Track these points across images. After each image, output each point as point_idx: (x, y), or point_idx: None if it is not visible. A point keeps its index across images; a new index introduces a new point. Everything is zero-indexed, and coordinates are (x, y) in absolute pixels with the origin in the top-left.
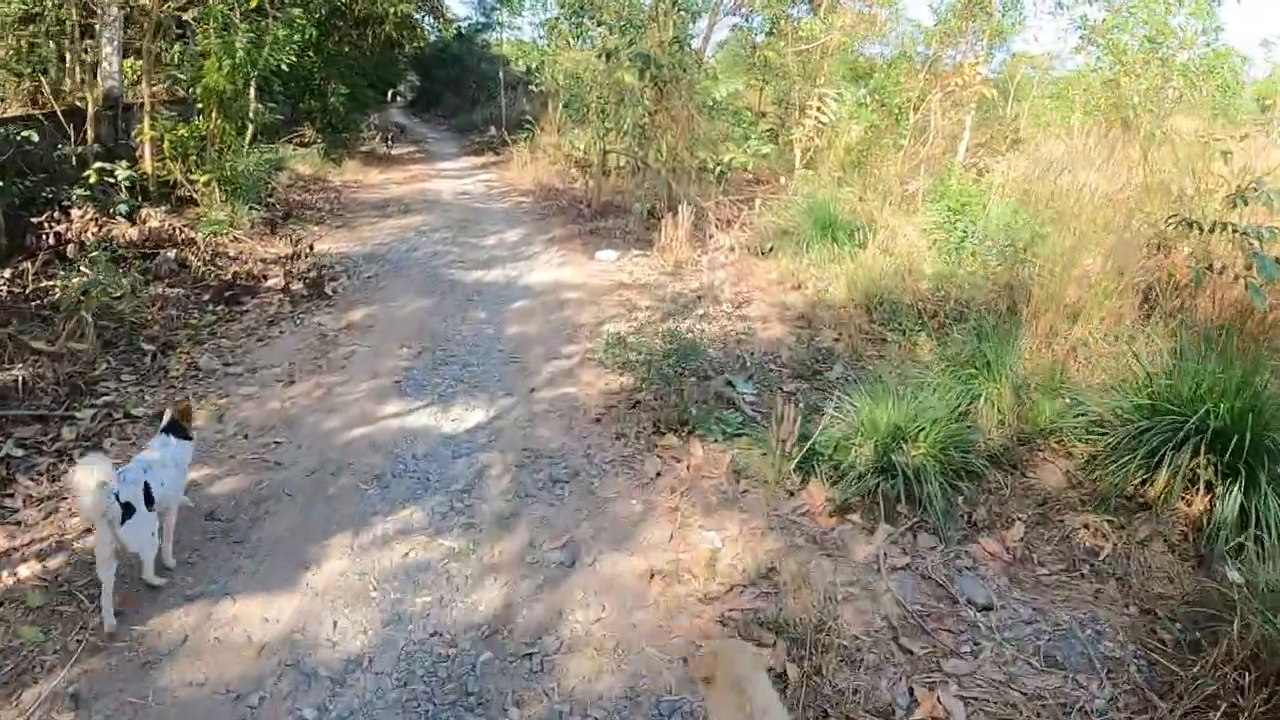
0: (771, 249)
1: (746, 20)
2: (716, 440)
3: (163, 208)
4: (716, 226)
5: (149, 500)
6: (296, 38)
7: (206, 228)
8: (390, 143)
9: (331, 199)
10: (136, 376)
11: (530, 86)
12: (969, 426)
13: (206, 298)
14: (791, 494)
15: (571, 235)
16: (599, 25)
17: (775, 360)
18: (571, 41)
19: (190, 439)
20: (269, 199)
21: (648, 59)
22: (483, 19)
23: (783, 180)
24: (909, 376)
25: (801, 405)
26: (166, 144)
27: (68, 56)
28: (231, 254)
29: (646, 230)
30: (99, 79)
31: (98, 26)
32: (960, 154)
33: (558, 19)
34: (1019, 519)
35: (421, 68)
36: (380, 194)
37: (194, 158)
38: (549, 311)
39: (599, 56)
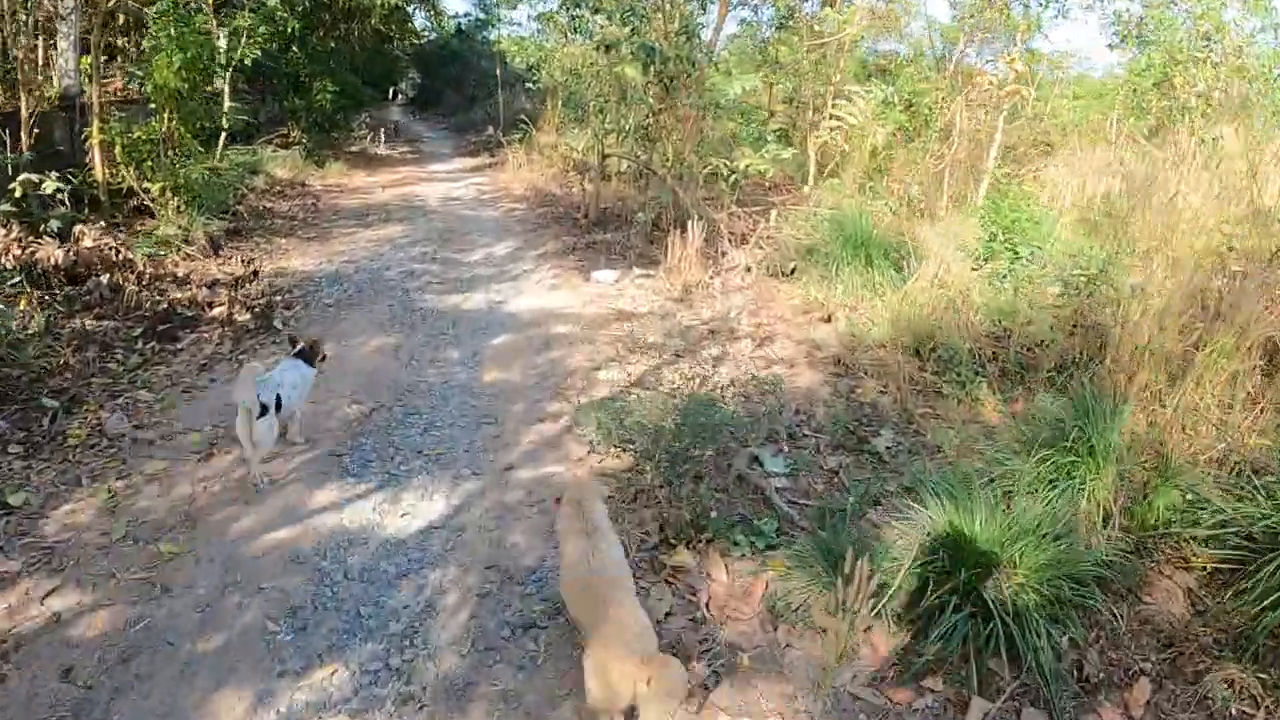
0: (794, 270)
1: (755, 13)
2: (744, 555)
3: (100, 224)
4: (730, 241)
5: (278, 407)
6: (262, 29)
7: (144, 247)
8: (383, 141)
9: (308, 206)
10: (25, 447)
11: (528, 84)
12: (1071, 537)
13: (138, 333)
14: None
15: (566, 250)
16: (597, 13)
17: (809, 421)
18: (570, 35)
19: (314, 368)
20: (237, 206)
21: (652, 51)
22: (482, 15)
23: (805, 189)
24: (977, 447)
25: (851, 498)
26: (118, 148)
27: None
28: (181, 274)
29: (650, 245)
30: (55, 77)
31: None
32: (991, 160)
33: (554, 11)
34: (1142, 670)
35: (422, 65)
36: (363, 199)
37: (148, 163)
38: (535, 351)
39: (597, 49)
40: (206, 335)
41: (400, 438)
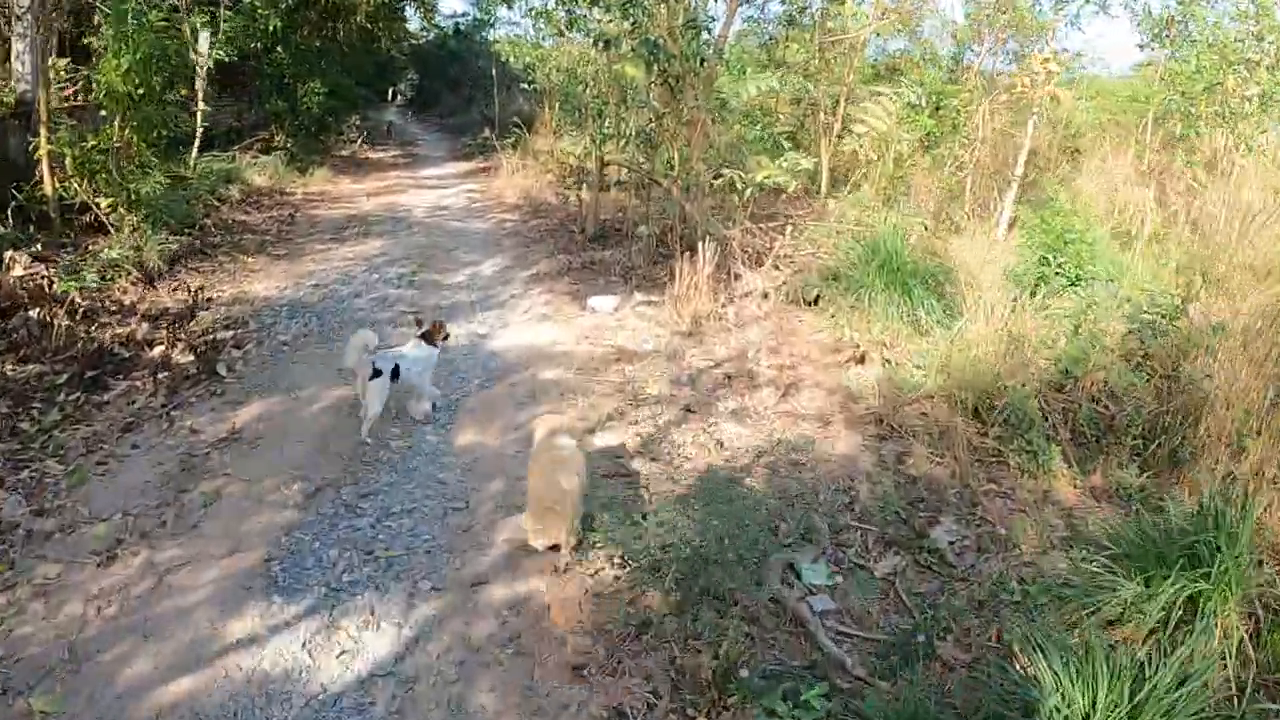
0: (818, 297)
1: (761, 11)
2: None
3: (37, 247)
4: (744, 262)
5: (394, 375)
6: (225, 27)
7: (88, 272)
8: (376, 143)
9: (285, 217)
10: None
11: (523, 85)
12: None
13: (63, 379)
14: None
15: (560, 270)
16: (594, 5)
17: (852, 505)
18: (567, 31)
19: (436, 348)
20: (205, 220)
21: (656, 48)
22: (480, 15)
23: (821, 200)
24: (1056, 538)
25: (918, 630)
26: (69, 160)
27: None
28: (128, 302)
29: (653, 265)
30: (12, 81)
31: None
32: (1019, 168)
33: (549, 8)
34: None
35: (421, 66)
36: (344, 209)
37: (101, 176)
38: (519, 404)
39: (595, 45)
40: (139, 383)
41: (347, 531)
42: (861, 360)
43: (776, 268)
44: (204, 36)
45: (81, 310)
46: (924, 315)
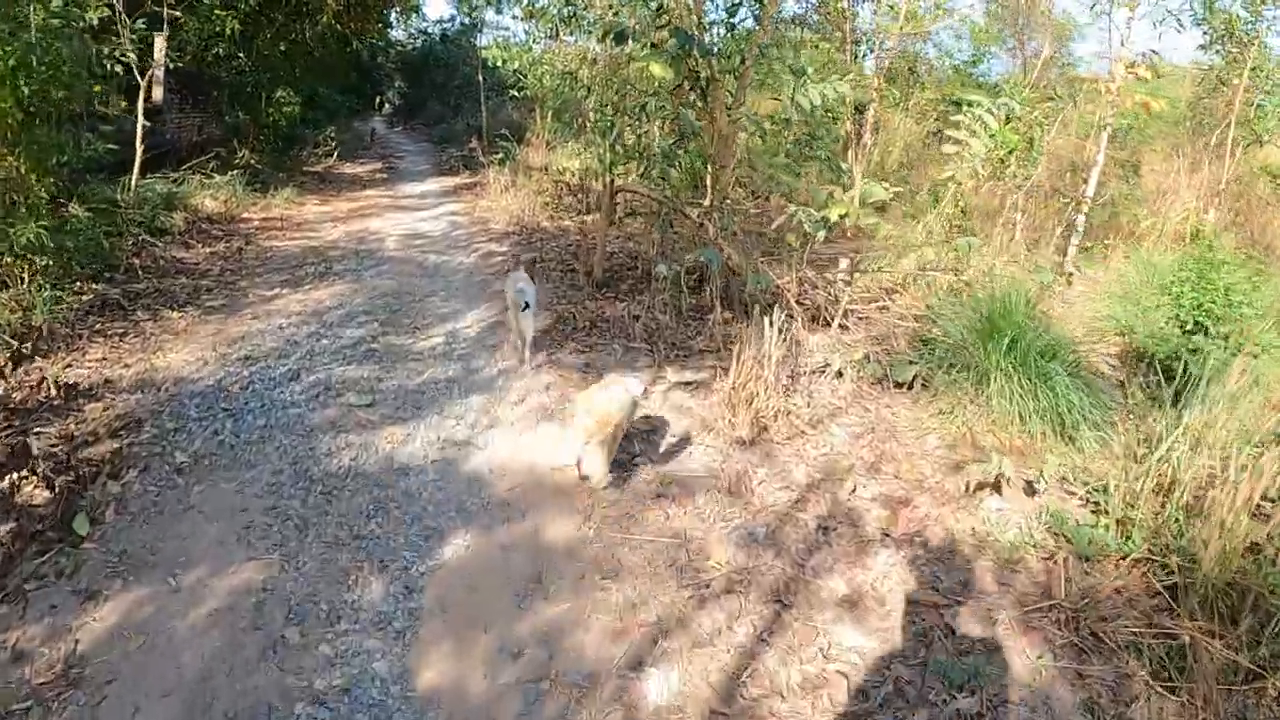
0: (915, 377)
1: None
2: None
3: None
4: (803, 321)
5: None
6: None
7: None
8: (355, 154)
9: (232, 252)
10: None
11: (512, 91)
12: None
13: None
14: None
15: (563, 330)
16: None
17: None
18: (565, 24)
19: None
20: (134, 259)
21: (689, 40)
22: (466, 19)
23: (872, 231)
24: None
25: None
26: None
27: None
28: None
29: (684, 324)
30: None
31: None
32: (1090, 186)
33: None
34: None
35: (407, 73)
36: (306, 239)
37: None
38: (515, 591)
39: (602, 39)
40: None
41: None
42: (997, 488)
43: (844, 327)
44: (158, 41)
45: None
46: (1075, 417)
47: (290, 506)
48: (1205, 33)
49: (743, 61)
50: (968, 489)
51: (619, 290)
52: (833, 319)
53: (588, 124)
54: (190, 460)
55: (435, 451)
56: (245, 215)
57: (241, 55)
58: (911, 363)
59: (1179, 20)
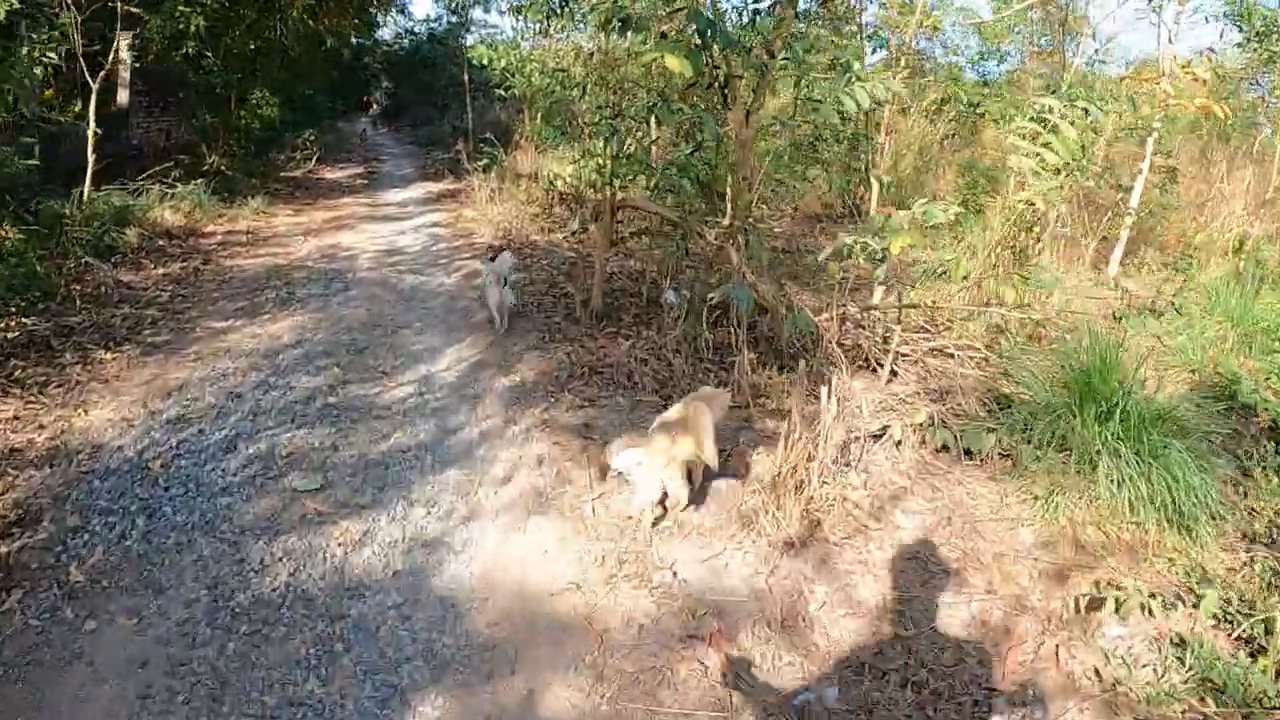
0: (994, 446)
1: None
2: None
3: None
4: (848, 369)
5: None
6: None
7: None
8: (336, 158)
9: (186, 274)
10: None
11: (500, 92)
12: None
13: None
14: None
15: (558, 379)
16: None
17: None
18: (552, 20)
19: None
20: (75, 285)
21: (713, 27)
22: (453, 17)
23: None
24: None
25: None
26: None
27: None
28: None
29: (703, 370)
30: None
31: None
32: (1135, 196)
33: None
34: None
35: (393, 73)
36: (270, 257)
37: None
38: None
39: (601, 28)
40: None
41: None
42: (1101, 606)
43: (894, 374)
44: (123, 41)
45: None
46: (1194, 501)
47: (204, 658)
48: (1241, 29)
49: (771, 55)
50: (1077, 608)
51: (621, 323)
52: (881, 364)
53: (583, 127)
54: (86, 580)
55: (399, 558)
56: (208, 229)
57: (209, 54)
58: (990, 430)
59: (1233, 19)
